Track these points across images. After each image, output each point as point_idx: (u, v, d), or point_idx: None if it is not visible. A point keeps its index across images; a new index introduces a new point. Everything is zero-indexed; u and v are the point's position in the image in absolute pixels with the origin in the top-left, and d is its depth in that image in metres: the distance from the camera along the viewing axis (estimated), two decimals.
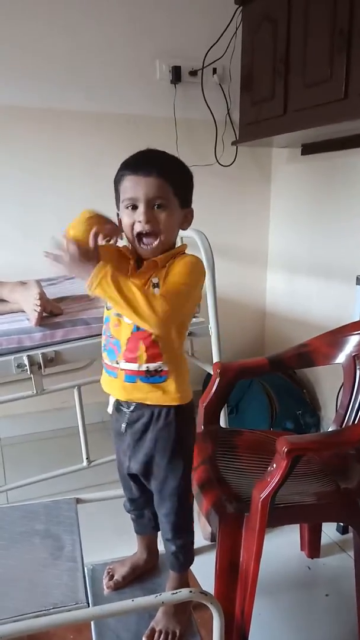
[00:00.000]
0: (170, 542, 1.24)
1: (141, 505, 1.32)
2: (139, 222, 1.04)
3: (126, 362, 1.10)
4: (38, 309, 1.54)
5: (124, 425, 1.18)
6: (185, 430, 1.15)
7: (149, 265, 1.08)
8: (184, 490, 1.19)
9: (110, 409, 1.22)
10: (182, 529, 1.23)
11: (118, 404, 1.19)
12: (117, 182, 1.08)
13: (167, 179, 1.03)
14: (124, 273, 1.06)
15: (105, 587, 1.34)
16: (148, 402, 1.12)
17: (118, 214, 1.11)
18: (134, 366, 1.09)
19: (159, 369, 1.09)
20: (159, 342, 1.07)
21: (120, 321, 1.09)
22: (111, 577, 1.36)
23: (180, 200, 1.07)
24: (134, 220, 1.05)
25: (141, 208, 1.03)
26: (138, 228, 1.05)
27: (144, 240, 1.06)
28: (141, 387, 1.10)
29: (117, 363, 1.11)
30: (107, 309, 1.14)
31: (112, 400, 1.21)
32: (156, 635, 1.19)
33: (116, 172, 1.09)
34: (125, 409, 1.17)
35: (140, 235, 1.06)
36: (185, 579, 1.29)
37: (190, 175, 1.13)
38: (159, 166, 1.04)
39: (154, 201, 1.03)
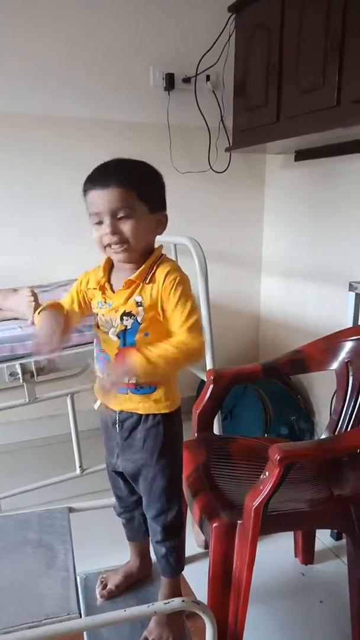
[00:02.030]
0: (160, 545, 1.24)
1: (131, 507, 1.31)
2: (106, 234, 1.04)
3: None
4: (33, 303, 1.54)
5: (113, 422, 1.18)
6: (173, 431, 1.15)
7: (127, 284, 1.07)
8: (173, 491, 1.19)
9: (96, 406, 1.20)
10: (172, 531, 1.22)
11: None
12: (84, 197, 1.08)
13: (127, 187, 1.01)
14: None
15: (98, 596, 1.33)
16: (140, 412, 1.14)
17: None
18: None
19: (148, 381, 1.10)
20: None
21: (107, 339, 1.11)
22: (104, 586, 1.35)
23: (148, 205, 1.05)
24: (101, 234, 1.05)
25: (106, 221, 1.03)
26: (106, 240, 1.05)
27: (113, 248, 1.05)
28: (132, 398, 1.12)
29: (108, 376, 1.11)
30: (95, 326, 1.15)
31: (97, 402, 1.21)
32: None
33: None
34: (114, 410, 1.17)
35: (109, 246, 1.06)
36: (177, 585, 1.29)
37: (158, 178, 1.10)
38: (116, 176, 1.02)
39: (117, 213, 1.02)
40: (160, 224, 1.10)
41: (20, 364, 1.53)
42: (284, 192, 2.62)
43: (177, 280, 1.06)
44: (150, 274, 1.07)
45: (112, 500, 1.37)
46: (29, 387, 1.60)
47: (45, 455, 2.38)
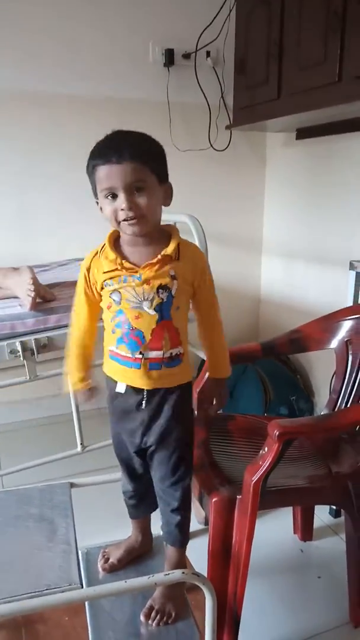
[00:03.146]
0: (176, 513, 1.24)
1: (144, 487, 1.32)
2: (122, 210, 1.03)
3: (151, 350, 1.11)
4: (32, 293, 1.54)
5: (139, 403, 1.16)
6: (190, 400, 1.21)
7: (165, 259, 1.08)
8: (190, 459, 1.22)
9: (122, 389, 1.18)
10: (188, 498, 1.25)
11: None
12: (90, 173, 1.07)
13: (140, 160, 1.01)
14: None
15: (100, 569, 1.35)
16: (170, 386, 1.15)
17: (97, 202, 1.10)
18: (159, 354, 1.11)
19: (179, 353, 1.13)
20: (179, 330, 1.13)
21: (141, 313, 1.09)
22: (106, 560, 1.37)
23: (157, 176, 1.06)
24: (115, 208, 1.04)
25: (121, 196, 1.02)
26: (122, 216, 1.04)
27: (129, 222, 1.05)
28: (165, 373, 1.13)
29: (141, 353, 1.11)
30: (117, 304, 1.11)
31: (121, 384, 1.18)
32: (153, 613, 1.21)
33: (87, 162, 1.07)
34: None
35: (125, 221, 1.05)
36: (183, 554, 1.30)
37: (161, 149, 1.10)
38: (130, 149, 1.01)
39: (133, 186, 1.02)
40: (167, 195, 1.11)
41: (21, 341, 1.53)
42: (285, 171, 2.60)
43: (206, 264, 1.15)
44: (179, 253, 1.10)
45: (114, 475, 1.38)
46: (30, 364, 1.60)
47: (47, 434, 2.39)
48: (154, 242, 1.10)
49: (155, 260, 1.07)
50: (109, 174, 1.01)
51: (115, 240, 1.13)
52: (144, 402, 1.16)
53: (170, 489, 1.23)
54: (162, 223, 1.14)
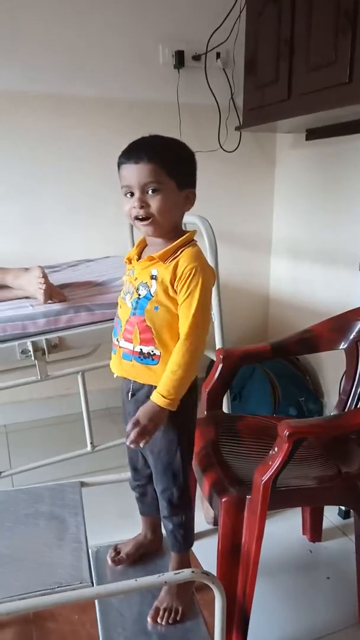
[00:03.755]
0: (167, 520, 1.27)
1: (145, 480, 1.34)
2: (134, 207, 1.09)
3: (124, 341, 1.18)
4: (43, 286, 1.56)
5: (127, 392, 1.23)
6: (182, 408, 1.15)
7: (149, 259, 1.14)
8: (179, 467, 1.21)
9: (114, 376, 1.26)
10: (178, 506, 1.25)
11: None
12: (118, 170, 1.13)
13: (158, 163, 1.06)
14: None
15: (109, 561, 1.37)
16: (140, 381, 1.18)
17: None
18: (130, 346, 1.17)
19: (152, 353, 1.15)
20: (152, 330, 1.13)
21: (122, 304, 1.19)
22: (117, 554, 1.39)
23: (177, 181, 1.09)
24: (131, 206, 1.10)
25: (136, 194, 1.08)
26: (134, 213, 1.10)
27: (142, 222, 1.11)
28: (135, 365, 1.17)
29: (117, 341, 1.20)
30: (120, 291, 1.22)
31: None
32: (160, 612, 1.22)
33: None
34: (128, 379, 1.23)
35: (137, 219, 1.11)
36: (186, 560, 1.32)
37: (189, 156, 1.15)
38: (148, 151, 1.07)
39: (147, 186, 1.07)
40: (188, 201, 1.14)
41: (32, 341, 1.54)
42: (294, 172, 2.59)
43: (193, 272, 1.09)
44: (174, 256, 1.12)
45: (124, 475, 1.39)
46: (41, 364, 1.61)
47: (56, 434, 2.41)
48: (166, 243, 1.15)
49: (145, 259, 1.15)
50: (128, 172, 1.08)
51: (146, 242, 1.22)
52: (129, 393, 1.21)
53: (159, 495, 1.26)
54: (196, 230, 1.21)
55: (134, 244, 1.48)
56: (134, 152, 1.08)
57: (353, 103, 1.72)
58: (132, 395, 1.21)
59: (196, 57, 2.37)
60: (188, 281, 1.09)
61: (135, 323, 1.14)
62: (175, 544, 1.29)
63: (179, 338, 1.13)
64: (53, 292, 1.63)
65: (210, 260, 1.82)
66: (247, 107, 2.34)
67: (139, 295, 1.13)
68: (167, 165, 1.07)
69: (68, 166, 2.32)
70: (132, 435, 1.10)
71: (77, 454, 2.04)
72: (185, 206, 1.14)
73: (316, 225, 2.46)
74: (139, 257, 1.20)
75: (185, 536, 1.29)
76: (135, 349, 1.15)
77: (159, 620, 1.22)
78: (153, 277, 1.12)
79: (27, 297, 1.65)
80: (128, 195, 1.10)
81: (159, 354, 1.14)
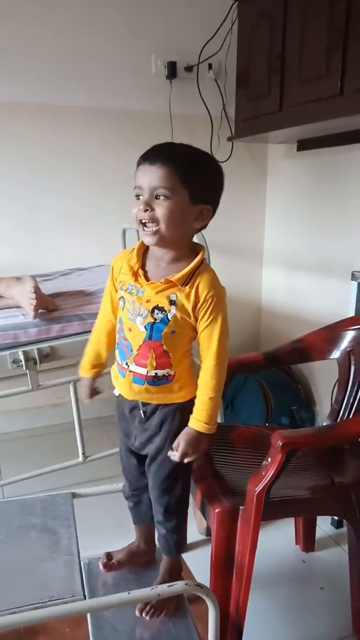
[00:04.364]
0: (161, 525, 1.26)
1: (139, 490, 1.32)
2: (140, 210, 1.04)
3: (136, 365, 1.12)
4: (34, 302, 1.55)
5: (132, 408, 1.19)
6: (188, 419, 1.15)
7: (166, 283, 1.08)
8: (179, 475, 1.20)
9: (116, 393, 1.22)
10: (174, 513, 1.24)
11: None
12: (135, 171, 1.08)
13: (172, 168, 1.01)
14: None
15: (100, 565, 1.34)
16: (154, 402, 1.15)
17: None
18: (143, 370, 1.12)
19: (167, 375, 1.12)
20: (170, 354, 1.10)
21: (133, 327, 1.11)
22: (109, 560, 1.37)
23: (191, 193, 1.03)
24: (137, 209, 1.04)
25: (144, 197, 1.03)
26: (139, 216, 1.04)
27: (146, 228, 1.05)
28: (149, 389, 1.13)
29: (127, 365, 1.14)
30: (121, 309, 1.14)
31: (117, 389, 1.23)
32: (147, 607, 1.22)
33: None
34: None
35: (142, 224, 1.05)
36: (177, 564, 1.31)
37: (213, 170, 1.09)
38: (165, 155, 1.02)
39: (156, 190, 1.02)
40: (201, 217, 1.07)
41: (23, 351, 1.53)
42: (286, 182, 2.61)
43: (214, 298, 1.08)
44: (191, 280, 1.08)
45: (116, 486, 1.38)
46: (32, 374, 1.60)
47: (48, 443, 2.39)
48: (176, 260, 1.10)
49: (159, 282, 1.08)
50: (141, 173, 1.03)
51: (147, 248, 1.14)
52: (138, 409, 1.18)
53: (155, 501, 1.24)
54: (205, 246, 1.16)
55: None
56: (152, 153, 1.03)
57: (344, 115, 1.74)
58: (139, 410, 1.18)
59: (188, 68, 2.39)
60: (210, 308, 1.08)
61: (150, 348, 1.09)
62: (167, 548, 1.28)
63: (187, 354, 1.13)
64: (45, 302, 1.62)
65: None
66: (239, 118, 2.36)
67: (155, 319, 1.08)
68: (182, 173, 1.01)
69: (62, 175, 2.32)
70: (182, 456, 1.13)
71: (69, 465, 2.03)
72: (196, 221, 1.07)
73: (308, 236, 2.47)
74: (144, 272, 1.12)
75: (178, 541, 1.28)
76: (149, 374, 1.11)
77: (144, 614, 1.22)
78: (172, 303, 1.07)
79: (18, 306, 1.64)
80: (137, 197, 1.05)
81: (173, 374, 1.12)
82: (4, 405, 2.31)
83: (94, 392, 1.30)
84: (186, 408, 1.15)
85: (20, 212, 2.31)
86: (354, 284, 1.79)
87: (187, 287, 1.07)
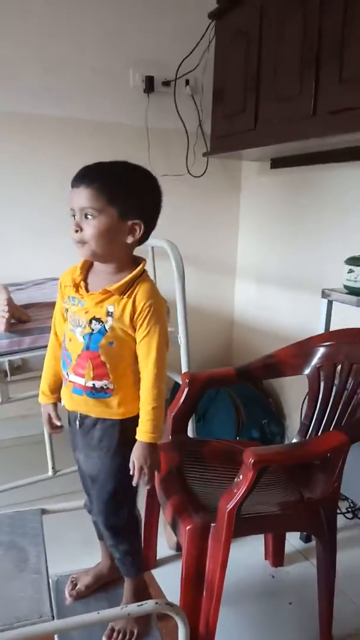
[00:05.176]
0: (114, 549, 1.26)
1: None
2: (72, 230, 1.08)
3: (75, 375, 1.15)
4: (6, 315, 1.53)
5: (74, 419, 1.21)
6: (129, 438, 1.15)
7: (104, 293, 1.11)
8: (122, 497, 1.20)
9: (62, 405, 1.25)
10: (124, 536, 1.24)
11: None
12: None
13: (97, 189, 1.04)
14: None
15: (67, 595, 1.33)
16: (92, 415, 1.17)
17: None
18: (81, 380, 1.14)
19: (105, 387, 1.13)
20: (107, 365, 1.12)
21: (73, 337, 1.14)
22: (74, 586, 1.35)
23: (119, 210, 1.06)
24: (71, 229, 1.09)
25: (76, 217, 1.08)
26: (72, 236, 1.09)
27: (77, 245, 1.09)
28: (87, 400, 1.15)
29: (67, 375, 1.17)
30: (65, 321, 1.18)
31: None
32: (114, 634, 1.20)
33: None
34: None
35: (76, 242, 1.10)
36: (141, 583, 1.31)
37: (142, 185, 1.11)
38: (89, 177, 1.06)
39: (83, 211, 1.06)
40: (132, 232, 1.09)
41: None
42: (259, 199, 2.65)
43: (151, 308, 1.10)
44: (130, 290, 1.10)
45: (85, 501, 1.36)
46: (3, 386, 1.58)
47: (15, 456, 2.34)
48: (116, 272, 1.13)
49: (98, 292, 1.11)
50: (72, 195, 1.08)
51: (92, 263, 1.17)
52: (77, 421, 1.19)
53: (102, 525, 1.25)
54: (145, 260, 1.17)
55: None
56: (78, 176, 1.07)
57: (316, 136, 1.78)
58: (80, 425, 1.19)
59: (166, 83, 2.41)
60: (148, 318, 1.10)
61: (88, 358, 1.12)
62: (125, 570, 1.28)
63: (130, 369, 1.14)
64: (18, 313, 1.60)
65: (177, 284, 1.84)
66: (214, 135, 2.39)
67: (92, 330, 1.11)
68: (107, 193, 1.05)
69: (34, 186, 2.30)
70: (142, 482, 1.14)
71: (39, 479, 1.99)
72: (130, 237, 1.10)
73: (279, 251, 2.51)
74: (86, 284, 1.15)
75: (134, 562, 1.27)
76: (87, 384, 1.13)
77: None
78: (109, 314, 1.10)
79: None
80: (72, 217, 1.09)
81: (112, 387, 1.13)
82: None
83: (55, 425, 1.28)
84: (129, 427, 1.15)
85: None
86: (324, 301, 1.82)
87: (126, 297, 1.10)
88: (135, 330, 1.11)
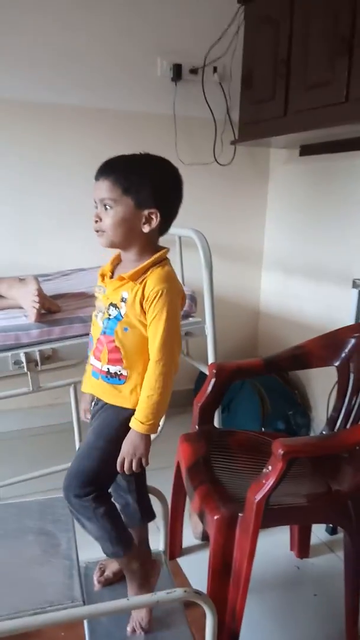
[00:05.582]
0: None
1: (123, 491, 1.33)
2: (94, 220, 1.14)
3: (94, 358, 1.20)
4: (37, 305, 1.54)
5: (91, 404, 1.27)
6: (128, 429, 1.15)
7: (120, 279, 1.14)
8: (92, 475, 1.17)
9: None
10: (107, 526, 1.19)
11: None
12: None
13: (113, 181, 1.09)
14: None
15: (95, 582, 1.35)
16: (105, 400, 1.19)
17: None
18: (98, 364, 1.19)
19: (119, 373, 1.16)
20: (121, 351, 1.14)
21: (95, 322, 1.21)
22: (102, 573, 1.37)
23: (135, 200, 1.10)
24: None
25: (97, 209, 1.13)
26: (93, 226, 1.14)
27: (98, 234, 1.14)
28: (103, 385, 1.18)
29: (89, 358, 1.22)
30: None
31: None
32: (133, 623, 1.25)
33: None
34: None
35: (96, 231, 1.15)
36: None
37: (158, 175, 1.13)
38: (107, 170, 1.11)
39: (103, 202, 1.11)
40: (148, 221, 1.12)
41: (25, 352, 1.53)
42: (287, 187, 2.62)
43: (159, 294, 1.10)
44: (144, 277, 1.12)
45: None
46: (33, 375, 1.60)
47: (43, 444, 2.38)
48: (137, 260, 1.16)
49: (116, 279, 1.15)
50: (94, 189, 1.13)
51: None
52: (92, 403, 1.25)
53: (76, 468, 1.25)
54: (168, 248, 1.18)
55: None
56: (99, 169, 1.12)
57: (349, 122, 1.75)
58: (94, 405, 1.24)
59: (193, 71, 2.39)
60: (155, 303, 1.10)
61: (104, 343, 1.15)
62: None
63: (144, 357, 1.14)
64: (48, 304, 1.62)
65: (204, 274, 1.83)
66: (242, 122, 2.36)
67: (109, 315, 1.15)
68: (123, 183, 1.09)
69: (63, 176, 2.31)
70: (125, 469, 1.14)
71: (66, 467, 2.01)
72: (144, 226, 1.12)
73: (308, 241, 2.48)
74: (112, 274, 1.20)
75: (106, 546, 1.23)
76: (102, 368, 1.17)
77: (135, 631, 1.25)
78: (123, 300, 1.13)
79: (20, 307, 1.63)
80: (95, 208, 1.14)
81: (126, 374, 1.15)
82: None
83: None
84: (120, 414, 1.17)
85: (17, 212, 2.28)
86: (355, 291, 1.79)
87: (138, 283, 1.12)
88: (146, 316, 1.13)
